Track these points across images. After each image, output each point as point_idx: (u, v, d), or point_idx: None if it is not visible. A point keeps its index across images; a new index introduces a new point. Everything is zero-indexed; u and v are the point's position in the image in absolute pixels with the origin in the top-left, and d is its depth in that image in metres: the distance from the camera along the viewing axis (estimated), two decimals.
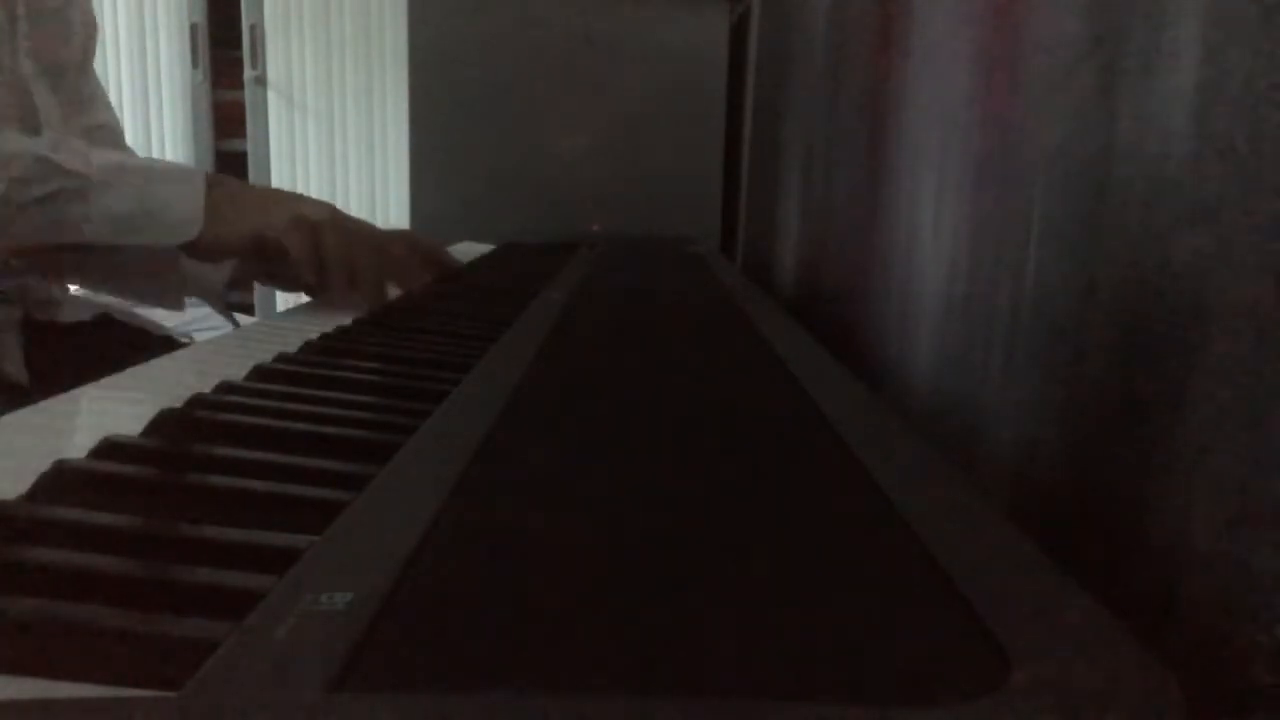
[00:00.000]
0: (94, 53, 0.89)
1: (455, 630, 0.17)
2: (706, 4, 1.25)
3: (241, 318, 0.77)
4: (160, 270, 0.69)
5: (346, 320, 0.56)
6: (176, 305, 0.72)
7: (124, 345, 0.88)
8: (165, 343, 0.92)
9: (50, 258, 0.67)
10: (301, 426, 0.33)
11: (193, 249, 0.67)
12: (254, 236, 0.66)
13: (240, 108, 2.50)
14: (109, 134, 0.88)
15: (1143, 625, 0.18)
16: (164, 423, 0.32)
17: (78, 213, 0.63)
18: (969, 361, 0.43)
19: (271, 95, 2.49)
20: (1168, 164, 0.28)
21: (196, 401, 0.35)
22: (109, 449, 0.29)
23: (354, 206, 2.46)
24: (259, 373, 0.40)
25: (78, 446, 0.29)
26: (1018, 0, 0.40)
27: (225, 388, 0.37)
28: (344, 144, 2.53)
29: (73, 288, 0.91)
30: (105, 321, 0.91)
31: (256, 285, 2.51)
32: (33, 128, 0.75)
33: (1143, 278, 0.29)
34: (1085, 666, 0.16)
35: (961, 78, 0.46)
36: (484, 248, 1.07)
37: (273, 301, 2.47)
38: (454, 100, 1.24)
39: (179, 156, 2.56)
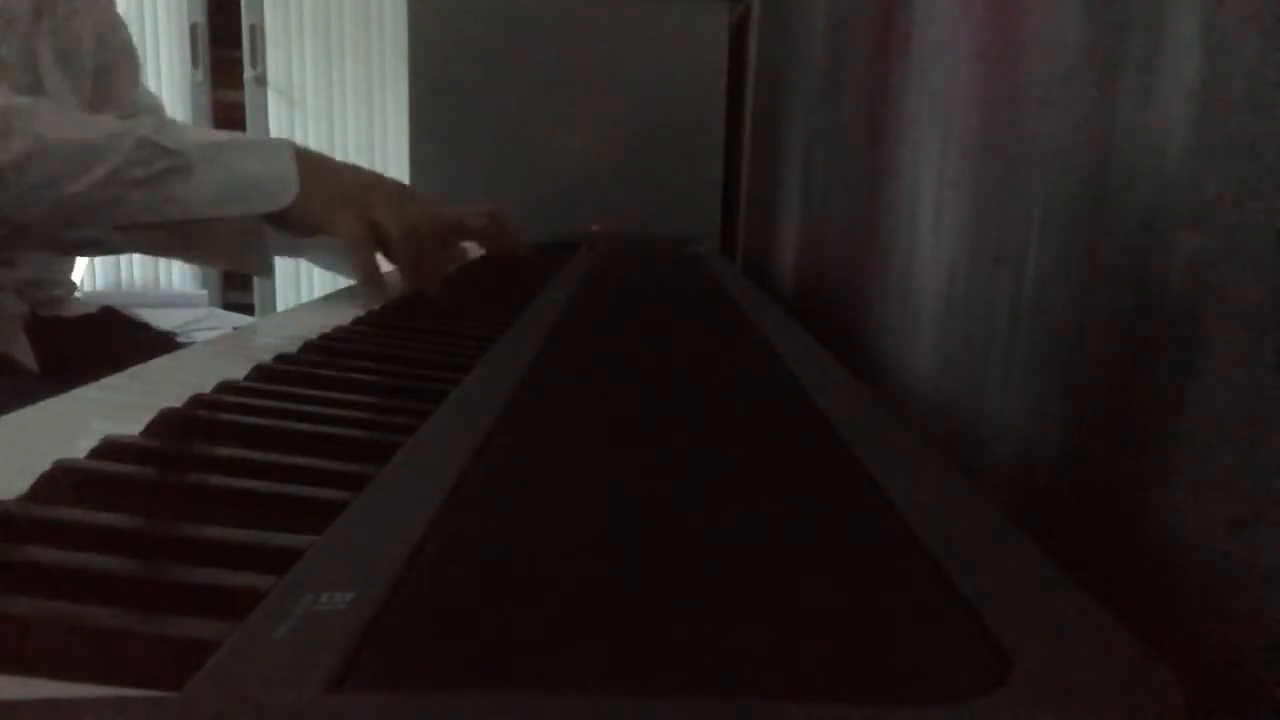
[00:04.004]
0: (132, 75, 0.91)
1: (455, 630, 0.17)
2: (706, 4, 1.25)
3: (241, 317, 0.77)
4: (248, 239, 0.71)
5: (346, 320, 0.56)
6: (266, 272, 0.75)
7: (127, 339, 0.89)
8: (165, 342, 0.92)
9: (148, 234, 0.69)
10: (301, 426, 0.33)
11: (285, 221, 0.69)
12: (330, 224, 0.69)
13: (240, 108, 2.50)
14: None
15: (1143, 625, 0.18)
16: (164, 423, 0.32)
17: (181, 189, 0.66)
18: (969, 361, 0.43)
19: (271, 95, 2.49)
20: (1168, 164, 0.28)
21: (196, 401, 0.35)
22: (109, 449, 0.29)
23: None
24: (259, 373, 0.40)
25: (78, 447, 0.29)
26: (1017, 0, 0.40)
27: (225, 388, 0.37)
28: (344, 144, 2.53)
29: (78, 285, 0.92)
30: (108, 316, 0.92)
31: (256, 284, 2.51)
32: None
33: (1143, 278, 0.29)
34: (1085, 666, 0.16)
35: (961, 78, 0.46)
36: None
37: (273, 301, 2.47)
38: (454, 100, 1.24)
39: None
